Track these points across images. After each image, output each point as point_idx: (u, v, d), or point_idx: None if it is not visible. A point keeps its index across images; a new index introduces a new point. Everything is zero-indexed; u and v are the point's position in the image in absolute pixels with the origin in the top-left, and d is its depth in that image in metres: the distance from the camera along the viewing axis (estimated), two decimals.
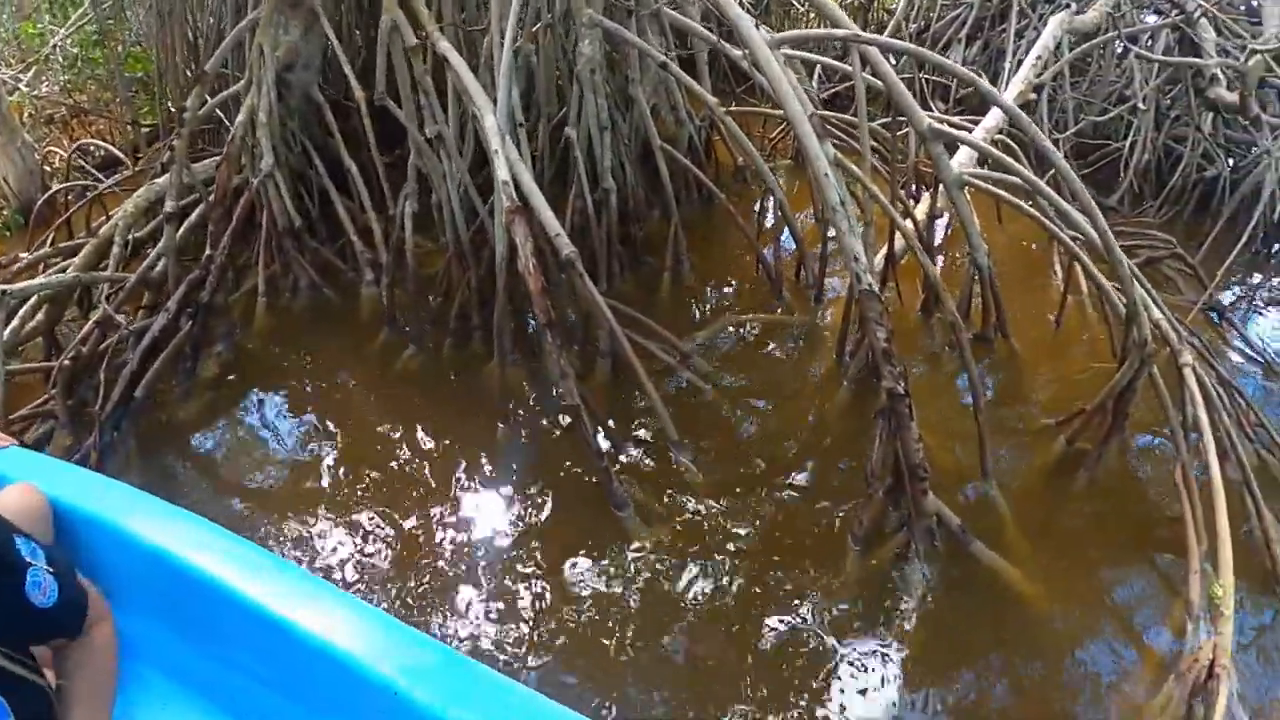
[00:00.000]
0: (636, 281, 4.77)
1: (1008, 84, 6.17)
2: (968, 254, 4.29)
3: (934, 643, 3.21)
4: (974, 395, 3.62)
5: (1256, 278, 6.72)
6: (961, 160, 4.78)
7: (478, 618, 3.22)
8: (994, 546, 3.47)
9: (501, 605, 3.25)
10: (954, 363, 4.27)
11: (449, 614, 3.24)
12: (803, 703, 2.97)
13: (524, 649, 3.10)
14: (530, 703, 1.70)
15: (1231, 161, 6.99)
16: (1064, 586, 3.48)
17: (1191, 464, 3.83)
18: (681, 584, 3.36)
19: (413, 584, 3.35)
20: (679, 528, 3.58)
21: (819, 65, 6.35)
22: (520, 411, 4.21)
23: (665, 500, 3.71)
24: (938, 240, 5.29)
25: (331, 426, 4.26)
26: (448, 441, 4.11)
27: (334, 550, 3.50)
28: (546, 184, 4.90)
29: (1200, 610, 3.57)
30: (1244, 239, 5.78)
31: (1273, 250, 6.89)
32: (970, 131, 4.73)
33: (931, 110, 5.65)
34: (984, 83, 4.12)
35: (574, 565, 3.43)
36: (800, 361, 4.57)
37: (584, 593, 3.32)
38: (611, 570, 3.41)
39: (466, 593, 3.31)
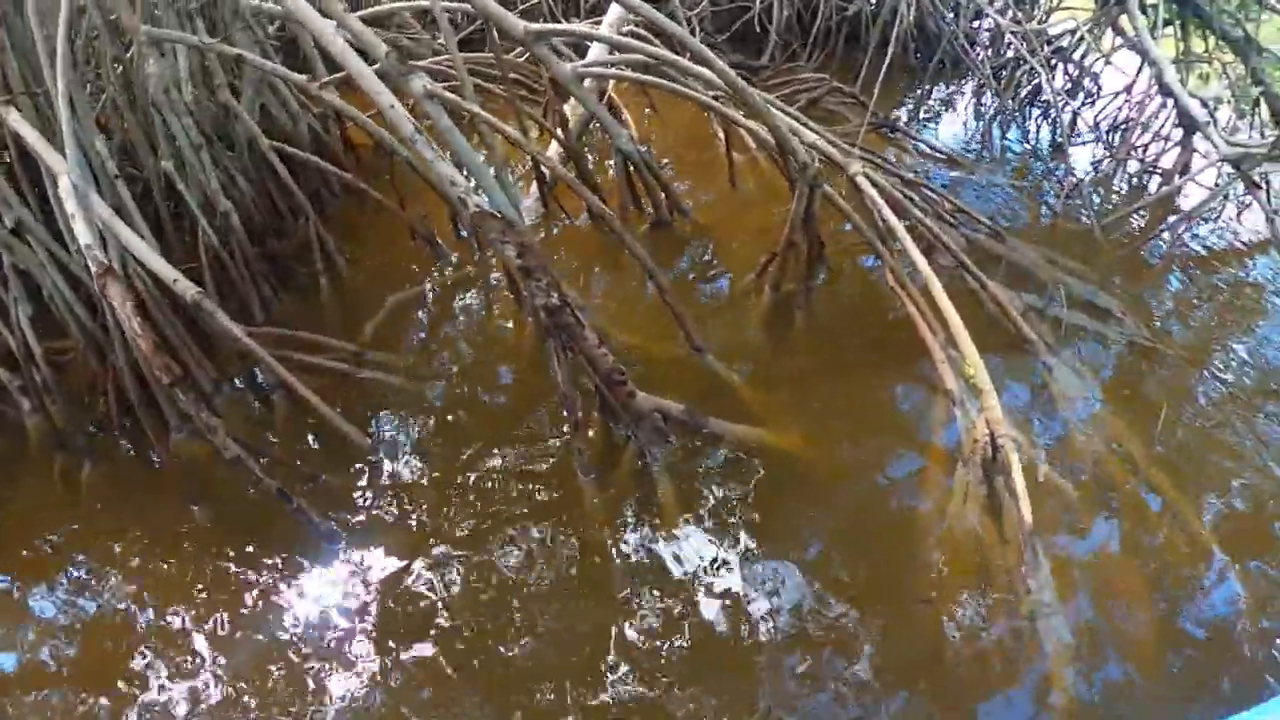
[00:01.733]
0: (294, 297, 4.07)
1: None
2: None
3: (721, 532, 2.82)
4: (650, 274, 3.21)
5: (920, 91, 6.80)
6: (592, 59, 4.34)
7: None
8: (736, 415, 3.11)
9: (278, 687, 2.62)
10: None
11: None
12: (618, 649, 2.53)
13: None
14: None
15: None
16: (825, 427, 3.19)
17: (901, 265, 3.59)
18: (430, 590, 2.79)
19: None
20: (411, 533, 3.01)
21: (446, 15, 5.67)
22: (211, 484, 3.49)
23: (392, 511, 3.12)
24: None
25: (48, 587, 3.42)
26: (158, 549, 3.34)
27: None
28: (174, 229, 4.15)
29: (961, 394, 3.36)
30: (888, 58, 5.59)
31: (927, 63, 6.97)
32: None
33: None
34: None
35: (320, 616, 2.80)
36: (486, 311, 4.05)
37: (344, 638, 2.71)
38: (356, 603, 2.81)
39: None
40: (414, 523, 3.03)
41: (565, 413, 2.87)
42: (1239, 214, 7.19)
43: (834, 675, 2.48)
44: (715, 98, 3.83)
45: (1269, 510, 3.78)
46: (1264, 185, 5.93)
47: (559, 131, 3.92)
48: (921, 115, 6.45)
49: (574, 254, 3.97)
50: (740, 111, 3.54)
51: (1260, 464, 4.04)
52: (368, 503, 3.16)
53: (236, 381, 3.78)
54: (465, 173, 3.08)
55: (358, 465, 3.27)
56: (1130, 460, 3.66)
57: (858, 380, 3.42)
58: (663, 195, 3.84)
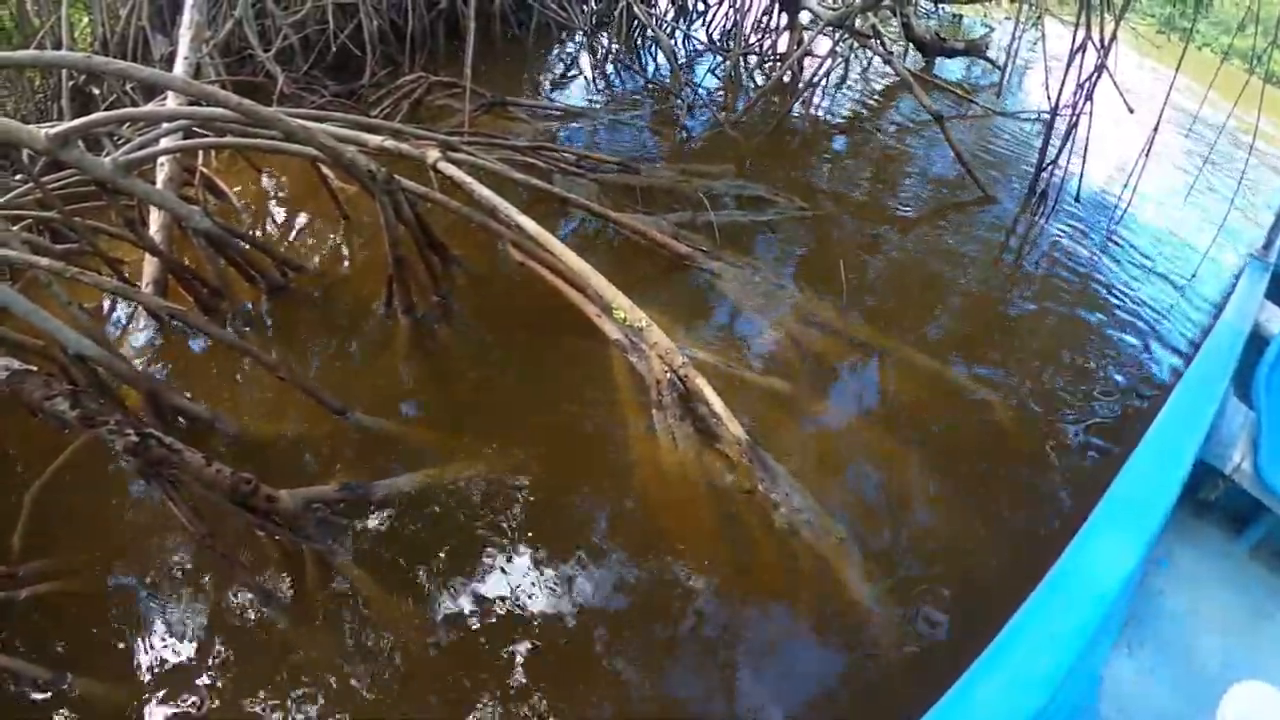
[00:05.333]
0: None
1: None
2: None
3: (478, 579, 2.42)
4: (249, 355, 2.73)
5: (535, 59, 6.61)
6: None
7: None
8: (421, 461, 2.71)
9: None
10: (258, 339, 3.26)
11: None
12: None
13: None
14: None
15: None
16: (518, 434, 2.83)
17: (524, 236, 3.28)
18: None
19: None
20: None
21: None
22: None
23: None
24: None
25: None
26: None
27: None
28: None
29: (628, 339, 3.11)
30: (471, 38, 5.15)
31: (528, 33, 6.80)
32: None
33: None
34: (105, 60, 3.02)
35: None
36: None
37: None
38: None
39: None
40: None
41: (217, 555, 2.32)
42: (865, 69, 7.52)
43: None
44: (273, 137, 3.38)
45: (978, 319, 3.86)
46: (873, 35, 6.13)
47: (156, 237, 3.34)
48: (545, 80, 6.23)
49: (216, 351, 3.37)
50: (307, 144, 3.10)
51: (958, 279, 4.14)
52: None
53: None
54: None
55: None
56: (829, 327, 3.58)
57: (531, 371, 3.07)
58: (268, 259, 3.35)
